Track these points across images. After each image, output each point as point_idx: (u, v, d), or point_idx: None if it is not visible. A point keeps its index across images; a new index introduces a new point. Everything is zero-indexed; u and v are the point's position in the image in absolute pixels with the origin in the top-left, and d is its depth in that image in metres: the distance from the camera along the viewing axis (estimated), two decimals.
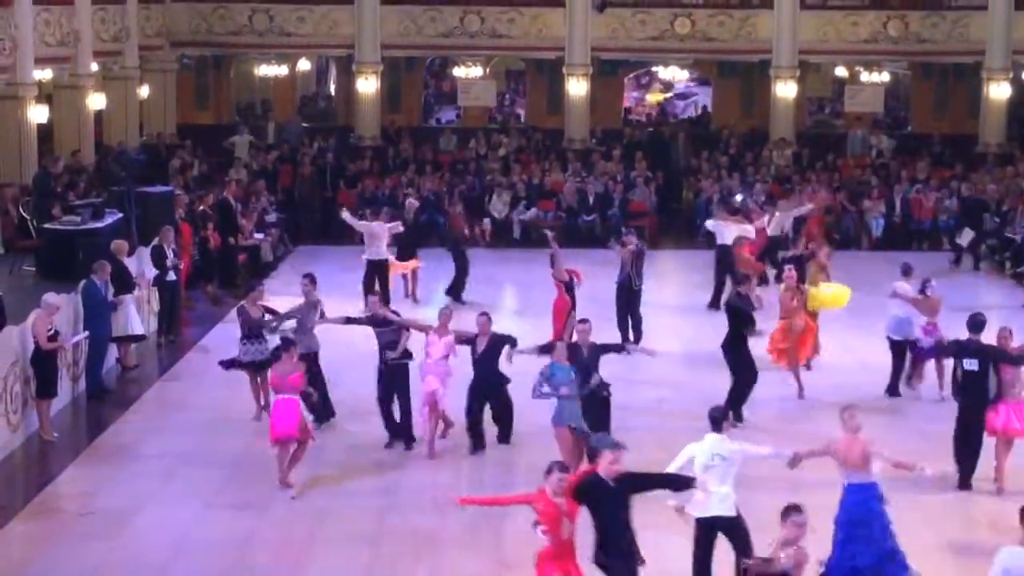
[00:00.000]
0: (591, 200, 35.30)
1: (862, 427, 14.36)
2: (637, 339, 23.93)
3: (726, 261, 27.02)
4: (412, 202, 30.08)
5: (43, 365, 19.47)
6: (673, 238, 34.64)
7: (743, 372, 20.23)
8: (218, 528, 16.42)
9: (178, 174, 34.69)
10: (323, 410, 19.44)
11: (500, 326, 26.48)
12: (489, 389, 18.89)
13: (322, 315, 20.11)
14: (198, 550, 15.77)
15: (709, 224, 28.85)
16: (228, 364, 20.00)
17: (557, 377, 17.48)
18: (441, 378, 18.63)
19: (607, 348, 18.84)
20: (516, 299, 29.46)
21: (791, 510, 12.24)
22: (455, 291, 28.08)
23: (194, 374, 22.76)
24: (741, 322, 20.45)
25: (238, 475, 18.17)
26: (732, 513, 13.90)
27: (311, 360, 19.29)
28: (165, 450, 18.73)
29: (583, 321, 18.76)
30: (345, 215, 28.00)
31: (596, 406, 17.98)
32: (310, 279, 20.45)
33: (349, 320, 20.00)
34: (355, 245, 30.34)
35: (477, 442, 18.90)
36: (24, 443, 19.27)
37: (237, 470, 18.32)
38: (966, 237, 32.39)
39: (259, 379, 19.88)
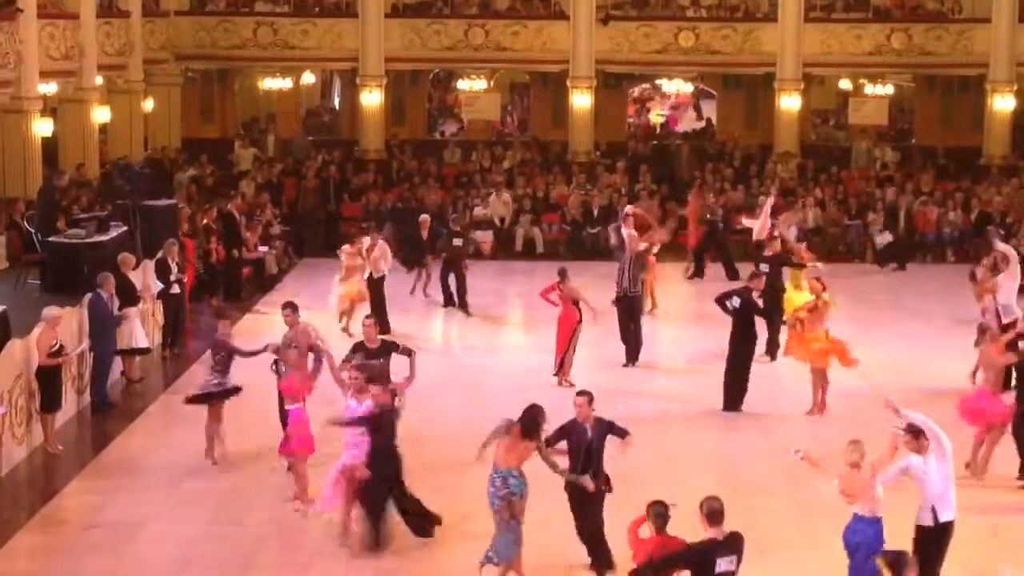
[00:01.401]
0: (595, 212, 35.30)
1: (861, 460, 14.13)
2: (637, 350, 23.87)
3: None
4: (425, 217, 30.33)
5: (47, 378, 19.49)
6: (676, 250, 34.54)
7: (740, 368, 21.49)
8: (223, 543, 16.39)
9: (189, 185, 34.78)
10: None
11: (505, 339, 26.70)
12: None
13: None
14: (203, 564, 15.75)
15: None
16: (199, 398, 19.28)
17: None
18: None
19: (614, 428, 15.62)
20: (521, 311, 29.51)
21: None
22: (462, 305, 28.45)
23: (199, 387, 22.72)
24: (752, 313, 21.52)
25: (243, 489, 18.15)
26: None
27: None
28: (170, 463, 18.70)
29: (582, 394, 15.62)
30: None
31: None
32: (292, 308, 19.49)
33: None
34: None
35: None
36: (29, 456, 19.27)
37: (242, 483, 18.30)
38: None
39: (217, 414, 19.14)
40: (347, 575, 15.46)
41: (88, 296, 21.54)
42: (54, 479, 18.76)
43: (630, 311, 24.23)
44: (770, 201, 30.38)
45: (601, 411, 15.58)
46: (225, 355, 18.97)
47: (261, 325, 26.11)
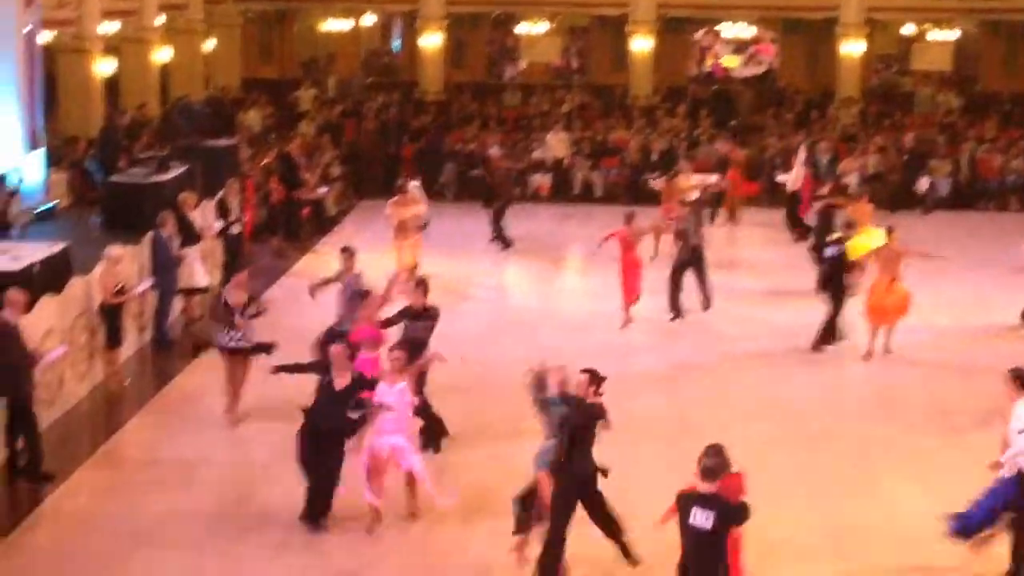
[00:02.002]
0: (654, 157, 35.15)
1: None
2: (706, 302, 23.73)
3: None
4: (491, 159, 30.38)
5: (110, 316, 19.65)
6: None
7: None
8: (283, 480, 16.48)
9: (249, 125, 34.91)
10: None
11: (562, 284, 26.68)
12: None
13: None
14: (258, 504, 15.86)
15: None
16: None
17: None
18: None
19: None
20: (578, 255, 29.49)
21: None
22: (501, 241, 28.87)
23: (258, 326, 22.82)
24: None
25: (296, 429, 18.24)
26: None
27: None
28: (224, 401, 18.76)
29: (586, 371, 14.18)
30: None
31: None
32: (349, 253, 19.67)
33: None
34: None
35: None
36: (90, 393, 19.45)
37: (297, 424, 18.37)
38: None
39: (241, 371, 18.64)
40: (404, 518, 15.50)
41: (149, 235, 21.66)
42: (115, 416, 18.93)
43: (697, 261, 23.97)
44: (803, 153, 30.22)
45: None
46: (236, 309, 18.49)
47: (319, 265, 26.20)
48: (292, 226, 29.44)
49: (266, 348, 18.21)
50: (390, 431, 14.92)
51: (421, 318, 17.37)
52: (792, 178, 29.82)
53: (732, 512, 11.24)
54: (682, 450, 17.09)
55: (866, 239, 23.18)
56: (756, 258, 28.70)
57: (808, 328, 22.09)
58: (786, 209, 30.55)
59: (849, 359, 21.59)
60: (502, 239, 29.02)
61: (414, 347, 16.32)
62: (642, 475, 15.58)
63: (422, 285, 17.80)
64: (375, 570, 14.30)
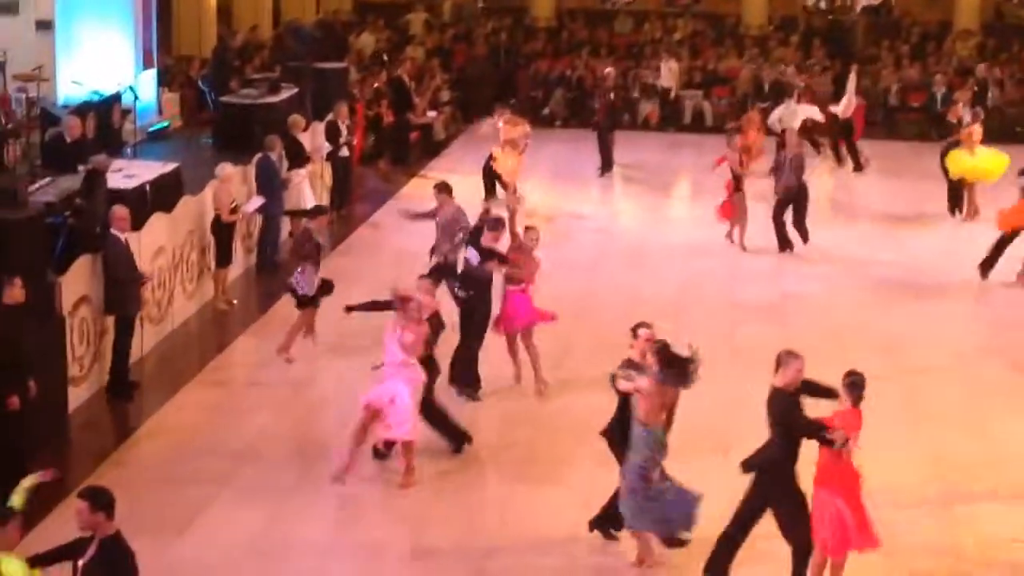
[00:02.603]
0: (766, 87, 34.75)
1: None
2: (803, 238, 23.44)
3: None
4: (610, 71, 30.23)
5: (223, 234, 19.81)
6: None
7: None
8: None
9: (361, 48, 34.92)
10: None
11: (670, 212, 26.50)
12: None
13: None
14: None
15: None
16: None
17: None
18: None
19: None
20: (687, 184, 29.34)
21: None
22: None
23: (365, 249, 23.01)
24: None
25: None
26: None
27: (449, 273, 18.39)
28: (335, 324, 18.81)
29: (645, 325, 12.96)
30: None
31: None
32: (443, 189, 18.96)
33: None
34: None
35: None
36: (198, 312, 19.65)
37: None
38: None
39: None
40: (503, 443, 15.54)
41: (257, 156, 21.77)
42: (222, 335, 19.13)
43: (796, 203, 23.61)
44: (853, 79, 29.77)
45: None
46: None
47: (427, 189, 26.22)
48: (400, 150, 29.48)
49: (328, 290, 18.05)
50: (390, 376, 14.22)
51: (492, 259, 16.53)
52: (843, 106, 29.40)
53: None
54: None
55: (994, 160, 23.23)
56: (865, 191, 28.37)
57: (920, 261, 21.87)
58: (838, 138, 30.06)
59: (961, 293, 21.34)
60: (607, 163, 28.84)
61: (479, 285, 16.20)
62: (750, 405, 15.42)
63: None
64: (476, 492, 14.39)
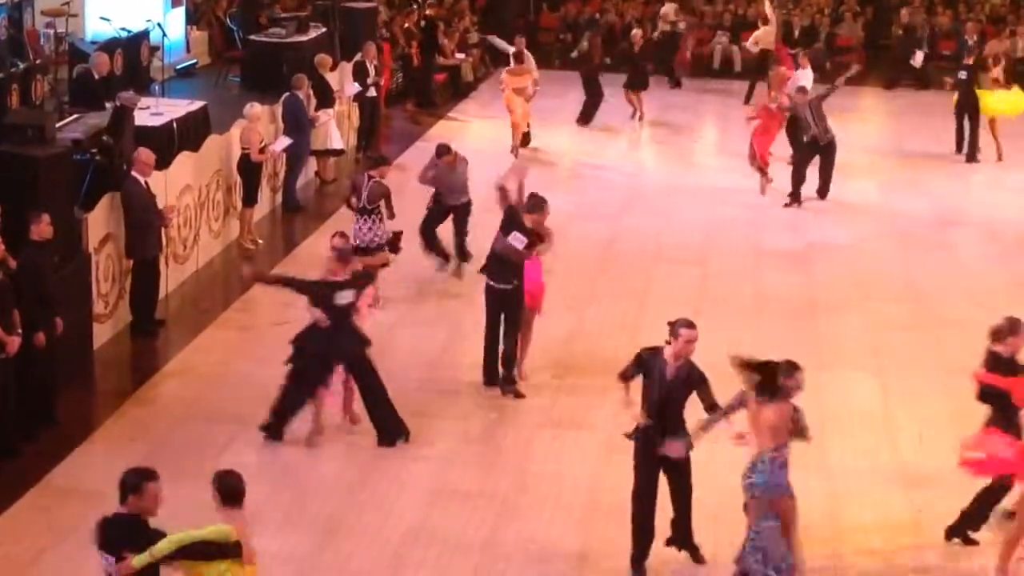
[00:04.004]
0: (796, 33, 34.53)
1: None
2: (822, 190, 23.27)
3: None
4: (637, 32, 30.00)
5: (250, 173, 19.81)
6: (881, 75, 33.74)
7: None
8: (409, 340, 16.64)
9: None
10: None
11: (697, 159, 26.41)
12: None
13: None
14: (391, 361, 15.98)
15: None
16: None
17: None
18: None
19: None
20: (715, 131, 29.23)
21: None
22: (584, 118, 28.13)
23: (392, 190, 22.93)
24: None
25: (431, 292, 18.37)
26: None
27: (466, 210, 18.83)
28: None
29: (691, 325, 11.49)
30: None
31: None
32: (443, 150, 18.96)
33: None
34: (554, 69, 30.41)
35: None
36: (224, 251, 19.68)
37: (431, 287, 18.51)
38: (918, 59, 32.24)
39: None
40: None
41: (285, 96, 21.73)
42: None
43: (824, 154, 23.37)
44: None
45: None
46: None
47: (454, 131, 26.24)
48: (428, 92, 29.40)
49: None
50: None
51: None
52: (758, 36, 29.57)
53: None
54: (812, 328, 17.14)
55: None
56: (893, 139, 28.23)
57: (947, 210, 21.80)
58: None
59: (988, 244, 21.25)
60: (637, 109, 28.70)
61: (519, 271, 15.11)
62: (774, 352, 15.36)
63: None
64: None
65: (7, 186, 14.52)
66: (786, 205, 22.59)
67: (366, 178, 17.50)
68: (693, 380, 11.31)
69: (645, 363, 11.43)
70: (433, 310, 17.79)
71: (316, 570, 11.61)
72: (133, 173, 16.34)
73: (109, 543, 8.71)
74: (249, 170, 19.78)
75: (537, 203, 15.16)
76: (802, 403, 10.99)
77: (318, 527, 12.29)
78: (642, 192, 23.68)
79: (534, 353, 15.73)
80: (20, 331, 13.06)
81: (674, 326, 11.34)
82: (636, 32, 30.08)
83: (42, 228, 13.73)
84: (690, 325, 11.28)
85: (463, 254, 18.73)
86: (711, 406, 11.25)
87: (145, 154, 16.41)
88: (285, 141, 20.83)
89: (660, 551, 11.66)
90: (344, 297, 13.78)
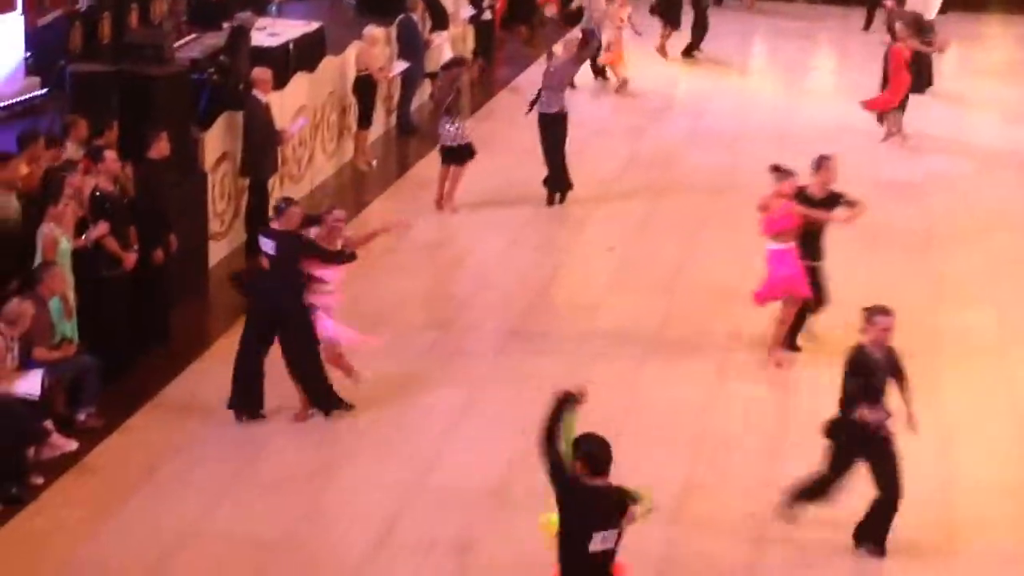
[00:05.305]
0: None
1: None
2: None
3: None
4: None
5: (366, 95, 19.84)
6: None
7: None
8: (519, 265, 16.67)
9: None
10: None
11: (811, 86, 26.05)
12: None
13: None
14: (502, 285, 16.04)
15: None
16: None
17: None
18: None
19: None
20: (831, 58, 28.82)
21: None
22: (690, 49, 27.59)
23: (505, 113, 22.92)
24: None
25: (542, 214, 18.38)
26: None
27: (557, 122, 18.65)
28: (474, 187, 18.80)
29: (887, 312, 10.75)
30: None
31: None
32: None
33: None
34: None
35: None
36: (337, 171, 19.77)
37: (542, 209, 18.50)
38: None
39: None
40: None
41: (400, 17, 21.70)
42: (360, 195, 19.24)
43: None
44: None
45: None
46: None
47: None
48: (541, 15, 29.22)
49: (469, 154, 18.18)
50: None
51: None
52: None
53: None
54: (927, 262, 16.93)
55: None
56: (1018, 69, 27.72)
57: None
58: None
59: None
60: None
61: None
62: (889, 287, 15.24)
63: None
64: None
65: (126, 105, 14.68)
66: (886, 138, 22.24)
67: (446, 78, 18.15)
68: (896, 366, 10.74)
69: (860, 363, 10.56)
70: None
71: (423, 494, 11.70)
72: (254, 92, 16.43)
73: None
74: (365, 92, 19.82)
75: (819, 162, 14.22)
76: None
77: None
78: (755, 120, 23.41)
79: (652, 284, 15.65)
80: (137, 248, 13.22)
81: (870, 313, 10.63)
82: None
83: (160, 147, 13.86)
84: (885, 312, 10.62)
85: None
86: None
87: (262, 72, 16.50)
88: (401, 65, 20.84)
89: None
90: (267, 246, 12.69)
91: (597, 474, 8.09)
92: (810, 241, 13.98)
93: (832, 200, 13.95)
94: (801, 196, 13.84)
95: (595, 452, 8.10)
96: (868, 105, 22.31)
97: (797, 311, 14.08)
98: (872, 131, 22.22)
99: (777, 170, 14.05)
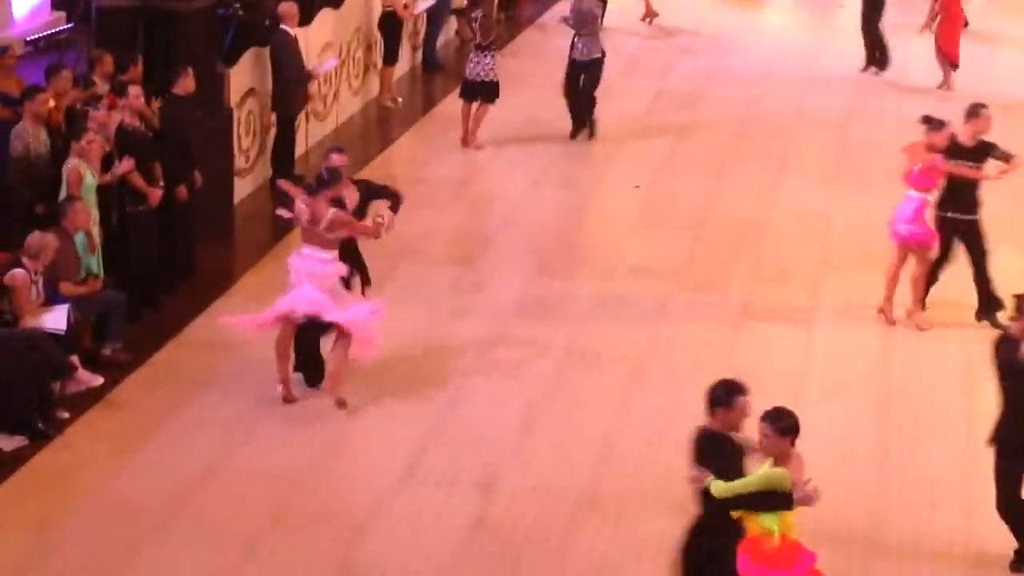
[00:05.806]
0: None
1: None
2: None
3: None
4: None
5: (391, 32, 19.79)
6: None
7: None
8: (544, 203, 16.67)
9: None
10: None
11: (845, 23, 25.79)
12: None
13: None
14: (526, 222, 16.04)
15: None
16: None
17: None
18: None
19: None
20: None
21: None
22: None
23: (530, 51, 22.87)
24: None
25: (566, 153, 18.34)
26: None
27: (596, 66, 18.67)
28: (497, 124, 18.76)
29: None
30: None
31: None
32: None
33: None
34: None
35: None
36: (363, 108, 19.75)
37: (567, 148, 18.47)
38: None
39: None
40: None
41: None
42: (386, 132, 19.24)
43: None
44: None
45: None
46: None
47: None
48: None
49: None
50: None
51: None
52: None
53: None
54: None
55: None
56: None
57: None
58: None
59: None
60: None
61: None
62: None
63: None
64: None
65: (151, 41, 14.68)
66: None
67: (479, 15, 18.15)
68: None
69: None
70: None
71: (447, 430, 11.75)
72: (282, 27, 16.42)
73: (697, 455, 8.22)
74: (390, 28, 19.78)
75: (973, 109, 13.51)
76: None
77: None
78: (783, 57, 23.23)
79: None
80: (162, 184, 13.25)
81: (1021, 301, 9.68)
82: None
83: (186, 82, 13.86)
84: None
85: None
86: None
87: (289, 7, 16.50)
88: (427, 2, 20.74)
89: None
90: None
91: None
92: (964, 193, 13.24)
93: (983, 150, 13.19)
94: (951, 147, 13.10)
95: None
96: (949, 54, 21.79)
97: (929, 268, 13.49)
98: (904, 68, 21.90)
99: (928, 121, 13.43)
